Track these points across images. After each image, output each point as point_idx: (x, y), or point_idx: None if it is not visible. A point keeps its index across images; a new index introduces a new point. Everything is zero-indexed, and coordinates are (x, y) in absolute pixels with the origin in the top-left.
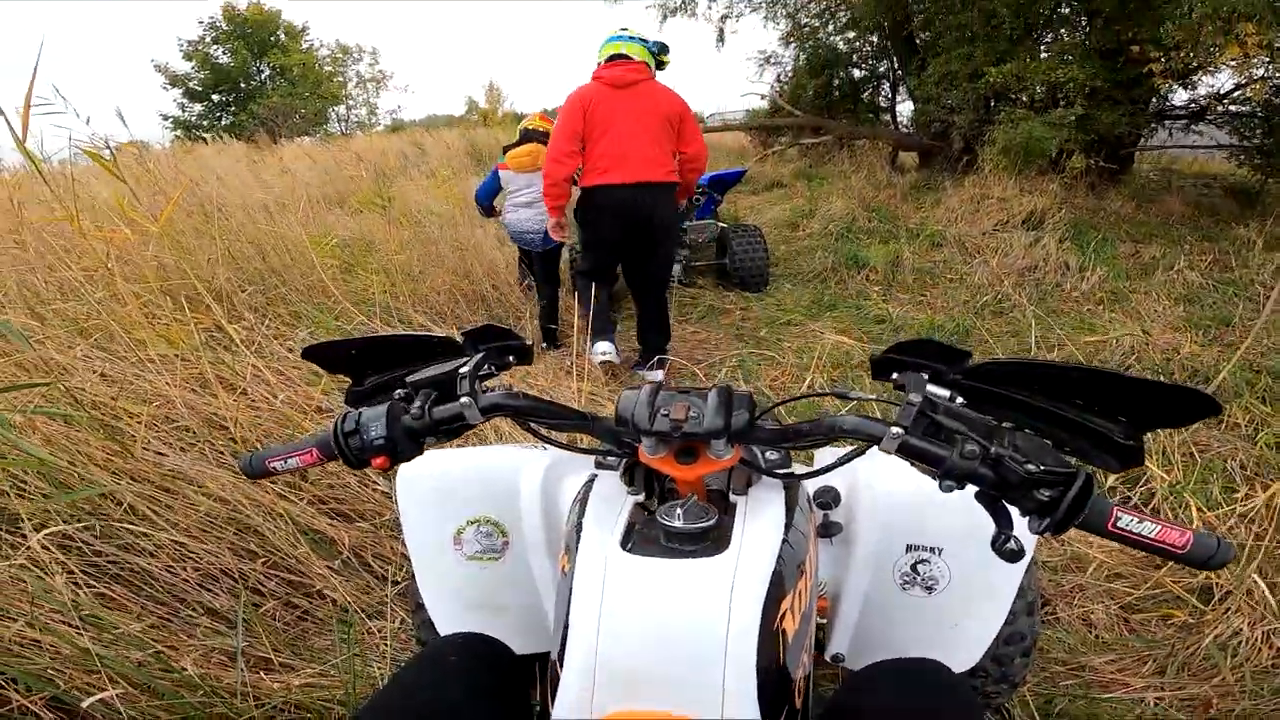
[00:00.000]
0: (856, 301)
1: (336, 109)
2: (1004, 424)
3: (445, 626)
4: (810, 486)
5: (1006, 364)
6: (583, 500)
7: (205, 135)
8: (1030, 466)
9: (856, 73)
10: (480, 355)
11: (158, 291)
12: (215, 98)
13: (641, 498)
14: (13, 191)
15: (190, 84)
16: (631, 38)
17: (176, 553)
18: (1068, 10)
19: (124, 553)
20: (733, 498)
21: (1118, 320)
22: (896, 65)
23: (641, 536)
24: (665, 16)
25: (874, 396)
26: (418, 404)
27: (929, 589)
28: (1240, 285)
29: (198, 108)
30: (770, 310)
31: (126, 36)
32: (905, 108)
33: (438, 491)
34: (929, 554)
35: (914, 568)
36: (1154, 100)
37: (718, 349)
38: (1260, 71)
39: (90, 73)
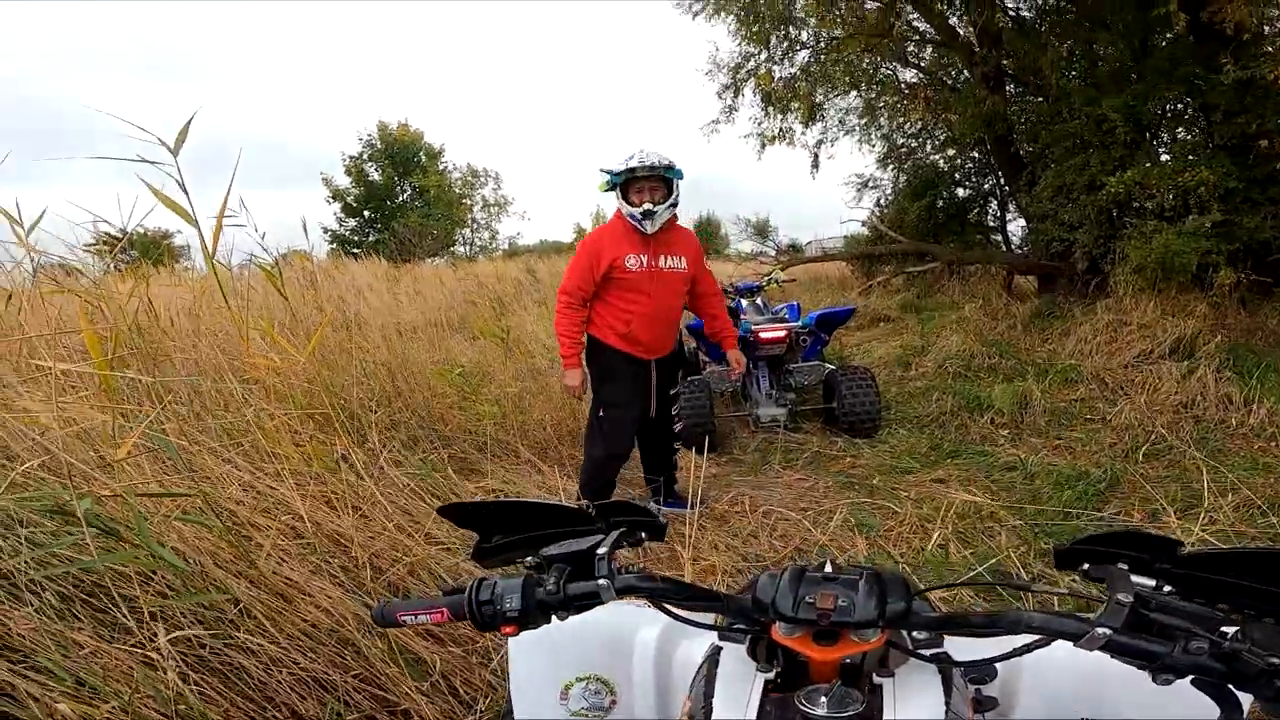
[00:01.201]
0: (981, 447)
1: (463, 231)
2: (1227, 612)
3: None
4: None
5: (1228, 553)
6: (707, 677)
7: (356, 251)
8: (1275, 659)
9: (961, 192)
10: (616, 534)
11: (301, 414)
12: (366, 214)
13: (772, 675)
14: (198, 296)
15: (348, 199)
16: None
17: (276, 655)
18: (1182, 106)
19: (227, 648)
20: (876, 678)
21: None
22: (1003, 181)
23: None
24: (764, 145)
25: (1063, 590)
26: (552, 580)
27: None
28: None
29: (352, 223)
30: (883, 457)
31: (314, 143)
32: (1017, 226)
33: (550, 644)
34: None
35: None
36: None
37: (825, 498)
38: None
39: (276, 171)
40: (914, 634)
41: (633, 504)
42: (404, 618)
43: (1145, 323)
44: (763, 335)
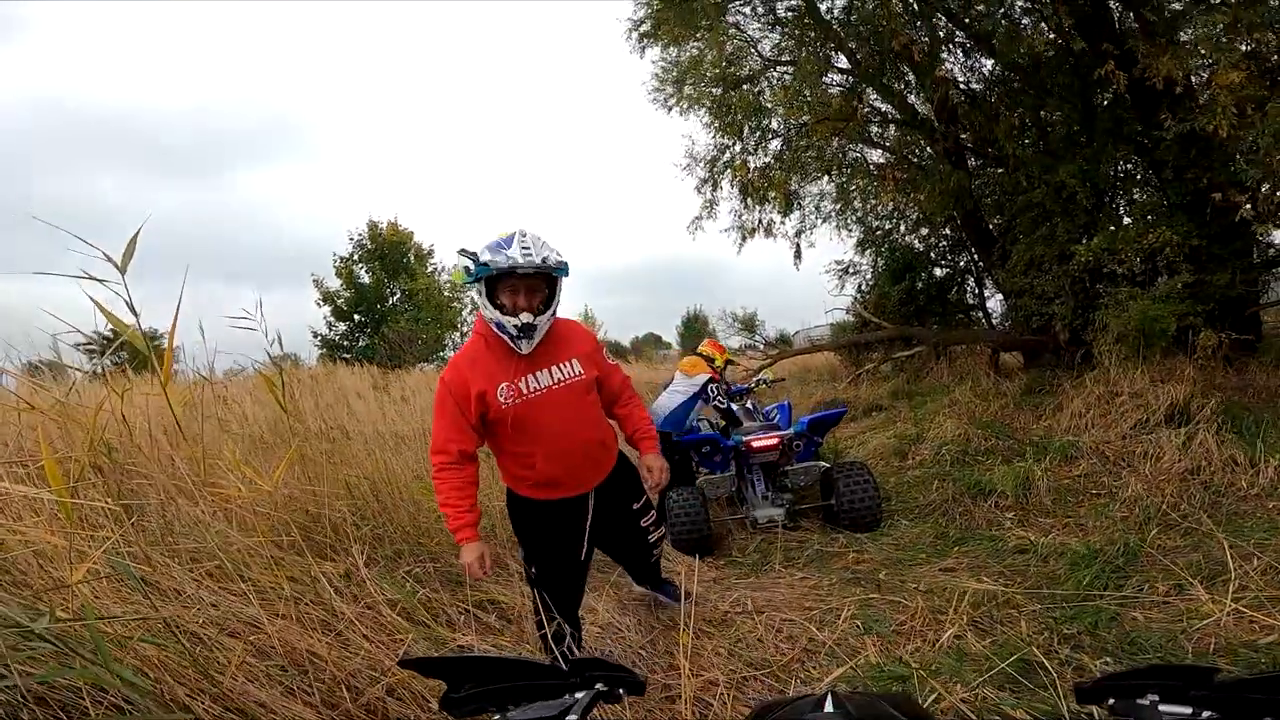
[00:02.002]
0: (988, 532)
1: (452, 335)
2: None
3: None
4: None
5: (1268, 676)
6: None
7: (346, 356)
8: None
9: (938, 271)
10: (589, 696)
11: (268, 539)
12: (356, 317)
13: None
14: (182, 407)
15: (338, 302)
16: None
17: None
18: (1132, 167)
19: None
20: None
21: None
22: (976, 258)
23: None
24: (744, 238)
25: None
26: None
27: None
28: None
29: (342, 327)
30: (887, 550)
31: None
32: (996, 302)
33: None
34: None
35: None
36: (1255, 250)
37: (830, 595)
38: None
39: (268, 269)
40: None
41: (609, 662)
42: None
43: (1136, 391)
44: (755, 445)
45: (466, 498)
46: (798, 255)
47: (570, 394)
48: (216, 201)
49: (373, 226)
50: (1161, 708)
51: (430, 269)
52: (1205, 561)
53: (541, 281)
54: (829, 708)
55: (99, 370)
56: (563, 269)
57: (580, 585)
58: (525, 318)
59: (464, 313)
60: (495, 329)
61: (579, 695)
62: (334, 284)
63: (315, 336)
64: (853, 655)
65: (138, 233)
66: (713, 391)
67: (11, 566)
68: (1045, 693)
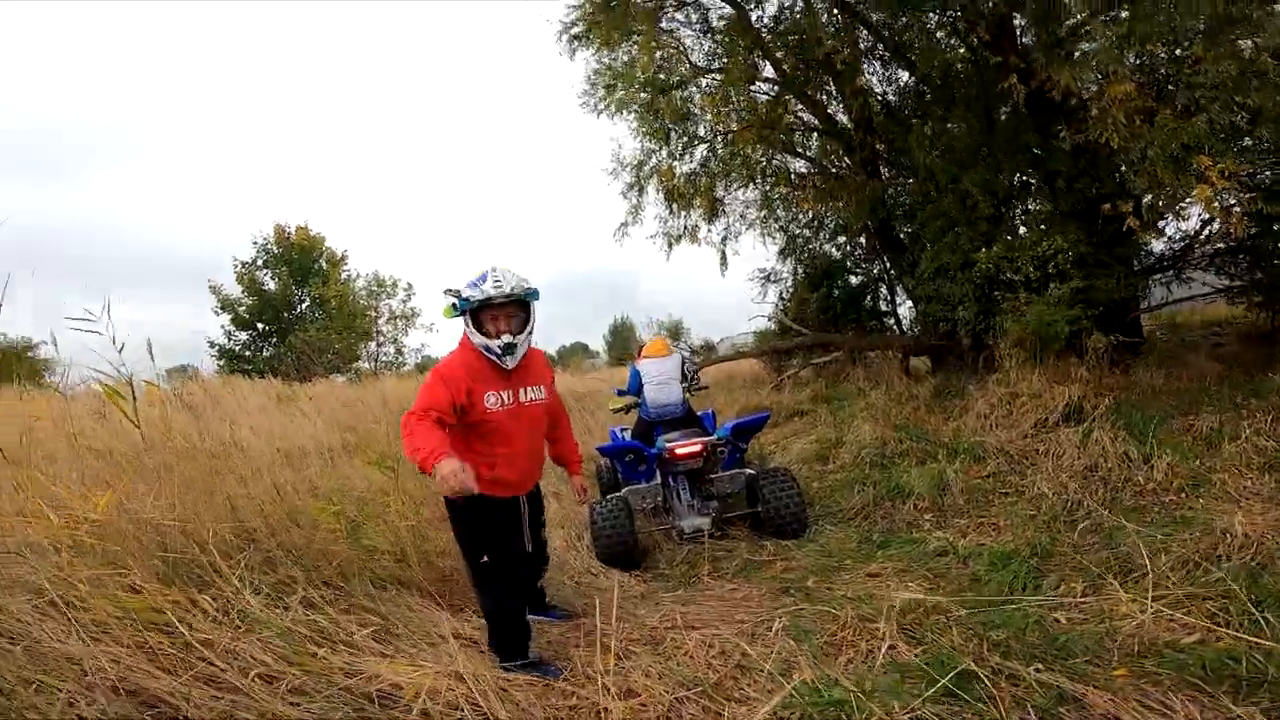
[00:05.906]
0: (909, 535)
1: (367, 346)
2: None
3: None
4: None
5: None
6: None
7: (246, 368)
8: None
9: (854, 279)
10: None
11: (110, 566)
12: (260, 326)
13: None
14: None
15: (239, 310)
16: None
17: None
18: (1027, 176)
19: None
20: None
21: (1212, 507)
22: (889, 266)
23: None
24: (670, 244)
25: None
26: None
27: None
28: None
29: (244, 336)
30: (815, 557)
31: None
32: (906, 308)
33: None
34: None
35: None
36: (1138, 258)
37: (760, 607)
38: (1233, 203)
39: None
40: None
41: None
42: None
43: (1035, 392)
44: (678, 451)
45: (439, 434)
46: (723, 261)
47: (536, 410)
48: (76, 204)
49: (280, 230)
50: None
51: (345, 275)
52: (1115, 558)
53: (516, 307)
54: None
55: None
56: (533, 294)
57: (534, 564)
58: (506, 338)
59: (380, 322)
60: (483, 351)
61: None
62: (234, 290)
63: (212, 346)
64: (786, 672)
65: None
66: (689, 369)
67: None
68: (984, 705)
